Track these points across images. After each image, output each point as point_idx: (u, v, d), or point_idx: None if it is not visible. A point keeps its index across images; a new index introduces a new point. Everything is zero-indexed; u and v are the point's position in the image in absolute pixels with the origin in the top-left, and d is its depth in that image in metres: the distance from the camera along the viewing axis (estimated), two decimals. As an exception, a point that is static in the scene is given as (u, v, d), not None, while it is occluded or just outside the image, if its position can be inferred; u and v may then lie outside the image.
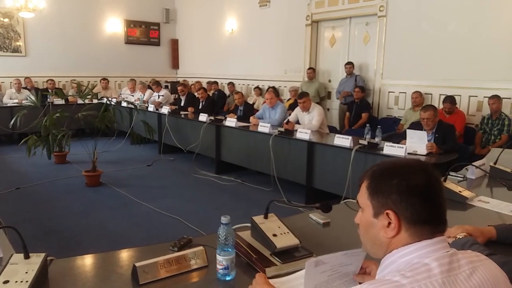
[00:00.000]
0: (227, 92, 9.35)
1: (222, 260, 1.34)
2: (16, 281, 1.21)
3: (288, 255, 1.45)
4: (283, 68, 8.46)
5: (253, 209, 3.78)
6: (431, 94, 6.06)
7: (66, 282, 1.34)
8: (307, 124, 5.33)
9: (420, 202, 0.91)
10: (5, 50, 9.29)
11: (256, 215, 1.60)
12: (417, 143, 3.90)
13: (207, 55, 10.49)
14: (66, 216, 4.22)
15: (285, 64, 8.39)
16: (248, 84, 9.38)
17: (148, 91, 8.85)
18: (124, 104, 7.27)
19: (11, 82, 8.78)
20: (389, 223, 0.93)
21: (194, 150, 6.34)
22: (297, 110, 5.58)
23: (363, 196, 1.00)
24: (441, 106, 5.56)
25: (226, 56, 9.88)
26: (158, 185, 5.42)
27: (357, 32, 7.20)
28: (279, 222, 1.58)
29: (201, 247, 1.47)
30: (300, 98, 5.43)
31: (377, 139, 4.18)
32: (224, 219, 1.34)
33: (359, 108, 6.57)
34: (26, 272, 1.25)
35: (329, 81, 7.83)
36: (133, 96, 8.91)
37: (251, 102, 8.11)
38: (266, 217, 1.59)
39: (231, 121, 5.84)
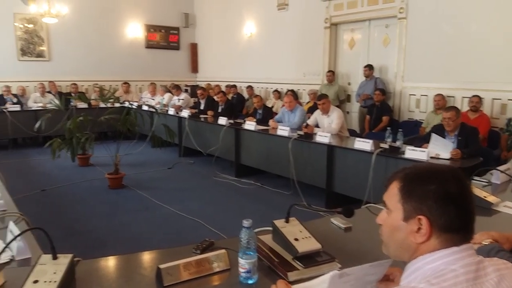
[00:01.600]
0: (245, 95, 9.38)
1: (244, 263, 1.34)
2: (45, 281, 1.25)
3: (310, 259, 1.45)
4: (302, 71, 8.44)
5: (273, 213, 3.79)
6: (454, 96, 5.95)
7: (92, 282, 1.37)
8: (326, 127, 5.30)
9: (455, 210, 0.90)
10: (29, 55, 9.55)
11: (276, 219, 1.60)
12: (440, 148, 3.83)
13: (226, 58, 10.55)
14: (91, 218, 4.30)
15: (304, 67, 8.37)
16: (267, 88, 9.39)
17: (168, 95, 8.95)
18: (145, 107, 7.37)
19: (35, 86, 9.04)
20: (419, 229, 0.92)
21: (213, 153, 6.38)
22: (317, 113, 5.56)
23: (393, 198, 0.97)
24: (464, 109, 5.45)
25: (244, 60, 9.92)
26: (179, 187, 5.47)
27: (377, 34, 7.13)
28: (300, 226, 1.57)
29: (223, 250, 1.49)
30: (319, 100, 5.41)
31: (398, 143, 4.11)
32: (246, 223, 1.35)
33: (380, 111, 6.49)
34: (55, 273, 1.29)
35: (349, 83, 7.77)
36: (153, 99, 9.02)
37: (270, 106, 8.11)
38: (287, 221, 1.59)
39: (250, 125, 5.85)
